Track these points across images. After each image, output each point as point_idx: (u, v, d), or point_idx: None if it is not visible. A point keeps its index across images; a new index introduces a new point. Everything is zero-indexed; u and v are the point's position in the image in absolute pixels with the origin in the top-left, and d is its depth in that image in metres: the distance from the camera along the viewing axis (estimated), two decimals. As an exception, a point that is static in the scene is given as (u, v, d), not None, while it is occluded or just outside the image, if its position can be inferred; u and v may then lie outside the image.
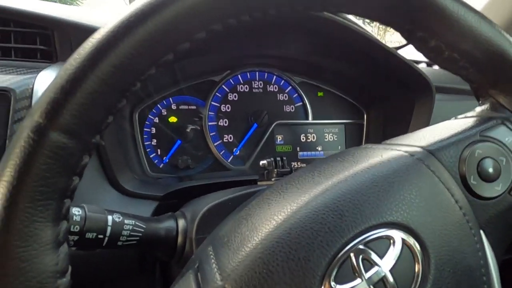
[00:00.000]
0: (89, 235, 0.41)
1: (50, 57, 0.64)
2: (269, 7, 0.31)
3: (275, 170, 0.57)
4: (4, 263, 0.24)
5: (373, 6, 0.34)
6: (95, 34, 0.27)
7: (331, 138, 0.92)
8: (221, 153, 0.84)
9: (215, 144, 0.84)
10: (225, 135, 0.85)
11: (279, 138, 0.88)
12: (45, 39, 0.64)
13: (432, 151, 0.34)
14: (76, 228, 0.40)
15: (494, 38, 0.35)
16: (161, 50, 0.28)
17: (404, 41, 1.01)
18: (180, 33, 0.28)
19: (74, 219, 0.40)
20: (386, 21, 0.36)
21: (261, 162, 0.60)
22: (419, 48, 0.38)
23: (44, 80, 0.57)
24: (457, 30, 0.34)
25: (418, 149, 0.34)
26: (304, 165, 0.90)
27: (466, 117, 0.39)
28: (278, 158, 0.59)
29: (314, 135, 0.91)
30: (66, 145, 0.25)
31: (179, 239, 0.49)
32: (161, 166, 0.81)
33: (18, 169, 0.24)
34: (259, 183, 0.60)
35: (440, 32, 0.35)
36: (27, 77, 0.57)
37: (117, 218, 0.44)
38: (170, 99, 0.81)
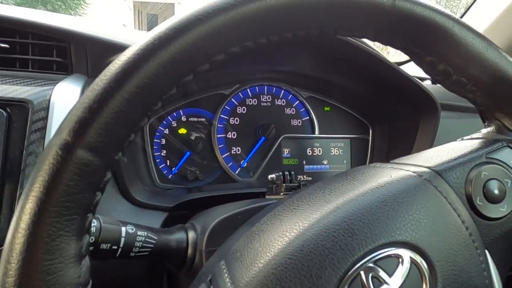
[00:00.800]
0: (103, 246, 0.42)
1: (66, 69, 0.66)
2: (286, 31, 0.32)
3: (284, 184, 0.58)
4: (31, 276, 0.25)
5: (384, 31, 0.35)
6: (120, 56, 0.28)
7: (336, 152, 0.93)
8: (229, 165, 0.85)
9: (223, 156, 0.85)
10: (233, 148, 0.86)
11: (286, 151, 0.89)
12: (61, 51, 0.65)
13: (439, 172, 0.35)
14: (92, 239, 0.41)
15: (501, 64, 0.36)
16: (183, 71, 0.29)
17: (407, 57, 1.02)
18: (201, 55, 0.29)
19: (90, 230, 0.41)
20: (396, 46, 0.38)
21: (270, 176, 0.61)
22: (427, 71, 0.39)
23: (61, 92, 0.58)
24: (465, 55, 0.36)
25: (426, 170, 0.35)
26: (310, 178, 0.91)
27: (472, 138, 0.40)
28: (286, 172, 0.60)
29: (320, 149, 0.92)
30: (91, 162, 0.27)
31: (189, 251, 0.50)
32: (170, 177, 0.82)
33: (47, 185, 0.25)
34: (267, 196, 0.61)
35: (449, 57, 0.36)
36: (44, 89, 0.58)
37: (131, 229, 0.45)
38: (180, 111, 0.83)
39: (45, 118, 0.55)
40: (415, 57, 0.39)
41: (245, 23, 0.30)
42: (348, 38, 0.70)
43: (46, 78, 0.63)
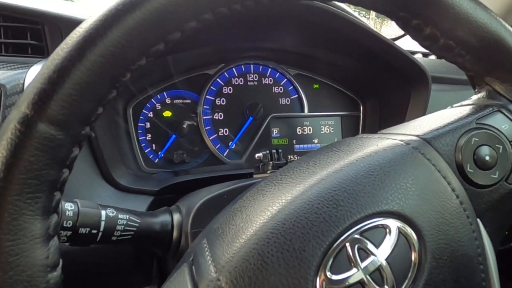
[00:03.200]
0: (82, 230, 0.41)
1: (41, 52, 0.63)
2: None
3: (271, 162, 0.57)
4: None
5: None
6: (83, 23, 0.26)
7: (327, 130, 0.92)
8: (216, 147, 0.84)
9: (210, 138, 0.83)
10: (220, 129, 0.85)
11: (275, 131, 0.88)
12: (36, 34, 0.63)
13: (428, 140, 0.33)
14: (69, 224, 0.40)
15: (489, 24, 0.35)
16: (151, 39, 0.27)
17: (399, 33, 1.00)
18: (170, 22, 0.27)
19: (67, 214, 0.40)
20: (381, 9, 0.36)
21: (257, 155, 0.60)
22: (414, 36, 0.38)
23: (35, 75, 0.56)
24: (452, 16, 0.34)
25: (414, 138, 0.34)
26: None
27: (462, 105, 0.39)
28: (274, 151, 0.59)
29: (310, 127, 0.90)
30: (54, 136, 0.25)
31: (175, 233, 0.48)
32: (156, 161, 0.80)
33: (5, 161, 0.24)
34: (254, 176, 0.60)
35: (435, 19, 0.35)
36: (18, 72, 0.56)
37: (111, 212, 0.43)
38: (164, 93, 0.81)
39: (20, 102, 0.53)
40: (400, 22, 0.37)
41: None
42: (336, 10, 0.68)
43: (20, 61, 0.60)
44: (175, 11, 0.27)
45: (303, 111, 0.90)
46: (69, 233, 0.40)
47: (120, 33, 0.26)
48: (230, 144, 0.85)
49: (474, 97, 0.39)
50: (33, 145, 0.24)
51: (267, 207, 0.30)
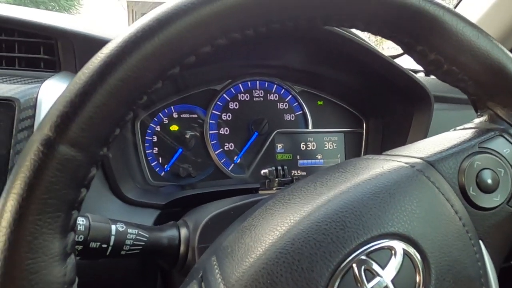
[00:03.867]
0: (93, 245, 0.42)
1: (53, 67, 0.64)
2: (273, 22, 0.32)
3: (276, 179, 0.58)
4: (13, 275, 0.24)
5: (374, 21, 0.35)
6: (103, 49, 0.27)
7: (330, 146, 0.92)
8: (222, 161, 0.85)
9: (216, 152, 0.84)
10: (226, 144, 0.86)
11: (279, 146, 0.89)
12: (49, 48, 0.64)
13: (432, 162, 0.34)
14: (81, 238, 0.41)
15: (492, 52, 0.36)
16: (167, 64, 0.29)
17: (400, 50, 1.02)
18: (186, 47, 0.29)
19: (78, 228, 0.41)
20: (387, 35, 0.37)
21: (262, 171, 0.61)
22: (418, 61, 0.39)
23: (48, 90, 0.57)
24: (456, 43, 0.35)
25: (419, 161, 0.34)
26: (304, 173, 0.90)
27: (465, 128, 0.40)
28: (279, 167, 0.60)
29: (314, 143, 0.91)
30: (74, 157, 0.26)
31: (182, 248, 0.49)
32: (162, 174, 0.81)
33: (28, 181, 0.25)
34: (260, 192, 0.60)
35: (439, 46, 0.36)
36: (31, 87, 0.57)
37: (121, 227, 0.44)
38: (172, 107, 0.82)
39: (32, 117, 0.54)
40: (405, 47, 0.38)
41: (231, 14, 0.29)
42: (340, 30, 0.69)
43: (33, 76, 0.61)
44: (191, 37, 0.29)
45: (307, 127, 0.91)
46: (80, 247, 0.41)
47: (139, 59, 0.27)
48: (235, 158, 0.86)
49: (477, 121, 0.40)
50: (55, 166, 0.25)
51: (276, 227, 0.31)
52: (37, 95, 0.56)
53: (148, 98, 0.29)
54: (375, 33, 0.37)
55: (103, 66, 0.26)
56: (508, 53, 0.37)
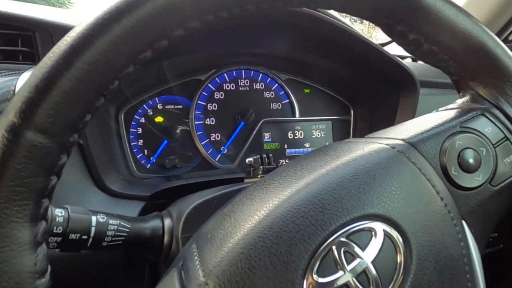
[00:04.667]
0: (72, 236, 0.41)
1: (32, 59, 0.63)
2: (248, 3, 0.31)
3: (261, 167, 0.57)
4: None
5: (352, 2, 0.34)
6: (70, 32, 0.27)
7: (318, 134, 0.92)
8: (208, 152, 0.84)
9: (202, 143, 0.84)
10: (212, 134, 0.85)
11: (266, 135, 0.88)
12: (27, 40, 0.63)
13: (413, 143, 0.34)
14: (59, 230, 0.40)
15: (471, 30, 0.35)
16: (138, 47, 0.28)
17: (389, 38, 1.02)
18: (156, 30, 0.28)
19: (57, 220, 0.40)
20: (366, 16, 0.37)
21: (248, 160, 0.60)
22: (398, 42, 0.39)
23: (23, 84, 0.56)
24: (435, 22, 0.35)
25: (399, 142, 0.34)
26: None
27: (447, 109, 0.39)
28: (264, 155, 0.59)
29: (302, 132, 0.91)
30: (42, 144, 0.25)
31: (165, 238, 0.49)
32: (148, 167, 0.80)
33: None
34: (245, 180, 0.60)
35: (419, 25, 0.35)
36: (8, 79, 0.56)
37: (102, 218, 0.43)
38: (156, 99, 0.81)
39: (10, 109, 0.53)
40: (385, 28, 0.38)
41: None
42: (325, 16, 0.68)
43: (11, 68, 0.60)
44: (161, 19, 0.28)
45: (294, 116, 0.90)
46: (59, 239, 0.40)
47: (107, 42, 0.26)
48: (222, 149, 0.85)
49: (459, 101, 0.40)
50: (21, 153, 0.24)
51: (255, 212, 0.30)
52: (15, 87, 0.55)
53: (130, 88, 0.29)
54: (352, 14, 0.36)
55: (69, 50, 0.26)
56: (489, 31, 0.37)
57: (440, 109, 0.41)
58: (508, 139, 0.36)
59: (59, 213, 0.40)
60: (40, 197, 0.26)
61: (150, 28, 0.27)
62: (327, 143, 0.92)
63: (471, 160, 0.34)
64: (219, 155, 0.85)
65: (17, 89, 0.55)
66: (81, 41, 0.26)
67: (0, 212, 0.24)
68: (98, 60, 0.26)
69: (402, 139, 0.35)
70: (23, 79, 0.56)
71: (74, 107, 0.26)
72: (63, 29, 0.63)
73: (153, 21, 0.27)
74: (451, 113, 0.38)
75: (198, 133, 0.83)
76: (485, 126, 0.36)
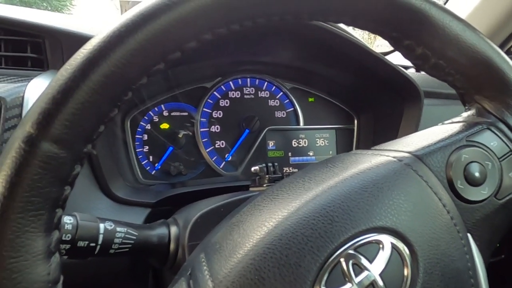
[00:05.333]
0: (81, 244, 0.41)
1: (41, 65, 0.64)
2: (259, 16, 0.31)
3: (267, 176, 0.57)
4: None
5: (361, 16, 0.35)
6: (86, 44, 0.27)
7: (322, 143, 0.93)
8: (213, 159, 0.85)
9: (207, 150, 0.84)
10: (217, 141, 0.85)
11: (271, 143, 0.89)
12: (36, 47, 0.64)
13: (420, 156, 0.34)
14: (68, 237, 0.40)
15: (478, 45, 0.36)
16: (152, 60, 0.28)
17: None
18: (170, 43, 0.28)
19: (65, 227, 0.40)
20: (373, 30, 0.37)
21: (253, 168, 0.60)
22: (406, 55, 0.39)
23: (35, 88, 0.57)
24: (442, 37, 0.35)
25: (406, 155, 0.34)
26: (296, 170, 0.90)
27: (452, 122, 0.40)
28: (270, 164, 0.60)
29: (306, 140, 0.91)
30: (57, 155, 0.25)
31: (172, 246, 0.49)
32: (153, 173, 0.81)
33: (10, 179, 0.24)
34: (251, 189, 0.60)
35: (426, 40, 0.36)
36: (18, 86, 0.56)
37: (109, 226, 0.44)
38: (162, 105, 0.81)
39: (19, 115, 0.54)
40: (393, 42, 0.38)
41: (216, 8, 0.29)
42: (330, 27, 0.69)
43: (20, 74, 0.61)
44: (175, 32, 0.28)
45: (298, 124, 0.91)
46: (67, 246, 0.40)
47: (123, 54, 0.27)
48: (226, 156, 0.86)
49: (464, 115, 0.40)
50: (37, 163, 0.25)
51: (264, 222, 0.30)
52: (24, 93, 0.55)
53: (136, 95, 0.29)
54: (361, 27, 0.37)
55: (85, 62, 0.26)
56: (495, 46, 0.37)
57: (445, 122, 0.41)
58: None
59: (68, 221, 0.41)
60: (54, 207, 0.26)
61: (164, 40, 0.28)
62: (330, 152, 0.93)
63: (477, 174, 0.34)
64: (224, 162, 0.86)
65: (26, 95, 0.55)
66: (97, 53, 0.26)
67: (15, 222, 0.24)
68: (113, 72, 0.27)
69: (409, 152, 0.35)
70: (33, 85, 0.57)
71: (89, 118, 0.27)
72: (72, 36, 0.63)
73: (167, 34, 0.28)
74: (456, 127, 0.38)
75: (203, 140, 0.84)
76: (491, 140, 0.36)
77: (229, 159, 0.86)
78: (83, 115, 0.26)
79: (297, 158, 0.90)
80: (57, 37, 0.63)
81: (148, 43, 0.27)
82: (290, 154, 0.90)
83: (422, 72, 0.96)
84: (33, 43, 0.64)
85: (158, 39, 0.28)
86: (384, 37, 0.38)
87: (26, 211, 0.25)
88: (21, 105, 0.54)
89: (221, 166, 0.85)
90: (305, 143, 0.91)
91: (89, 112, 0.26)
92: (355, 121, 0.95)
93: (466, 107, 0.41)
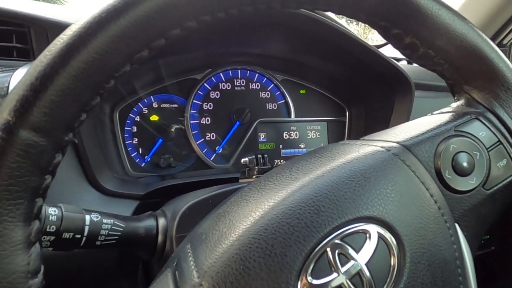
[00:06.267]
0: (66, 235, 0.41)
1: (27, 55, 0.63)
2: (245, 4, 0.31)
3: (256, 167, 0.57)
4: None
5: (349, 4, 0.34)
6: (66, 30, 0.26)
7: (313, 135, 0.92)
8: (203, 152, 0.84)
9: (197, 142, 0.83)
10: (207, 133, 0.85)
11: (262, 136, 0.88)
12: (21, 37, 0.63)
13: (408, 146, 0.34)
14: (52, 228, 0.40)
15: (467, 35, 0.36)
16: (135, 46, 0.28)
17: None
18: (153, 29, 0.28)
19: (50, 219, 0.40)
20: (362, 19, 0.37)
21: (243, 160, 0.60)
22: (394, 45, 0.39)
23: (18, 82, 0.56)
24: (431, 26, 0.35)
25: (394, 145, 0.34)
26: None
27: (441, 112, 0.40)
28: (260, 156, 0.59)
29: (297, 132, 0.91)
30: (37, 143, 0.25)
31: (160, 238, 0.48)
32: (142, 165, 0.80)
33: None
34: (240, 180, 0.60)
35: (415, 29, 0.35)
36: (2, 76, 0.55)
37: (95, 217, 0.43)
38: (152, 97, 0.81)
39: (4, 106, 0.53)
40: (382, 31, 0.38)
41: None
42: (323, 18, 0.69)
43: (5, 65, 0.60)
44: (158, 18, 0.28)
45: (289, 116, 0.90)
46: (52, 238, 0.40)
47: (104, 41, 0.26)
48: (217, 148, 0.85)
49: (453, 105, 0.40)
50: (15, 151, 0.24)
51: (250, 213, 0.30)
52: (9, 84, 0.54)
53: (125, 86, 0.29)
54: (350, 16, 0.37)
55: (65, 48, 0.25)
56: (484, 36, 0.37)
57: (435, 112, 0.41)
58: (501, 143, 0.36)
59: (52, 212, 0.40)
60: (34, 197, 0.26)
61: (147, 27, 0.27)
62: (322, 144, 0.93)
63: (465, 164, 0.34)
64: (214, 155, 0.85)
65: (11, 86, 0.54)
66: (78, 39, 0.26)
67: None
68: (94, 59, 0.26)
69: (397, 142, 0.35)
70: (18, 76, 0.56)
71: (69, 106, 0.26)
72: (58, 26, 0.62)
73: (150, 20, 0.27)
74: (445, 117, 0.38)
75: (193, 133, 0.83)
76: (479, 130, 0.36)
77: (220, 152, 0.85)
78: (63, 103, 0.26)
79: (288, 150, 0.90)
80: (42, 27, 0.62)
81: (130, 29, 0.27)
82: (281, 146, 0.90)
83: (414, 65, 0.96)
84: (18, 32, 0.63)
85: (140, 25, 0.27)
86: (373, 26, 0.38)
87: (3, 200, 0.24)
88: (5, 95, 0.53)
89: (211, 159, 0.85)
90: (296, 135, 0.91)
91: (69, 99, 0.26)
92: (347, 113, 0.95)
93: (456, 97, 0.41)
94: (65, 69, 0.25)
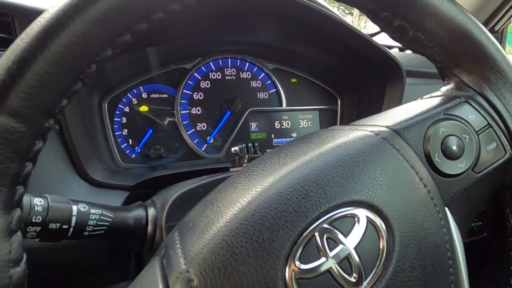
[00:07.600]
0: (52, 226, 0.40)
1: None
2: None
3: (247, 155, 0.57)
4: None
5: None
6: (44, 13, 0.26)
7: (305, 124, 0.92)
8: (194, 142, 0.83)
9: (188, 132, 0.83)
10: (198, 124, 0.84)
11: (253, 125, 0.88)
12: (5, 26, 0.61)
13: (397, 130, 0.34)
14: (38, 219, 0.39)
15: (456, 17, 0.35)
16: (116, 30, 0.27)
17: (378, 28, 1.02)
18: (134, 12, 0.27)
19: (36, 209, 0.39)
20: (350, 2, 0.36)
21: (233, 149, 0.60)
22: (384, 28, 0.38)
23: None
24: (420, 8, 0.34)
25: (384, 129, 0.34)
26: None
27: (431, 96, 0.39)
28: (250, 144, 0.59)
29: (289, 121, 0.91)
30: (15, 129, 0.24)
31: (149, 228, 0.48)
32: (133, 156, 0.79)
33: None
34: (231, 169, 0.59)
35: (404, 11, 0.35)
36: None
37: (83, 207, 0.43)
38: (141, 87, 0.80)
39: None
40: (370, 14, 0.37)
41: None
42: (313, 4, 0.68)
43: (-11, 55, 0.58)
44: (140, 1, 0.27)
45: (281, 106, 0.90)
46: (38, 228, 0.39)
47: (83, 24, 0.25)
48: (208, 138, 0.85)
49: (443, 89, 0.40)
50: None
51: (238, 199, 0.30)
52: (-8, 74, 0.53)
53: (113, 76, 0.28)
54: (338, 0, 0.36)
55: (43, 32, 0.25)
56: (473, 18, 0.36)
57: (424, 96, 0.41)
58: (491, 126, 0.36)
59: (38, 202, 0.39)
60: (14, 184, 0.25)
61: (128, 10, 0.27)
62: (314, 133, 0.92)
63: (454, 147, 0.34)
64: (205, 145, 0.84)
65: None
66: (56, 22, 0.25)
67: None
68: (73, 43, 0.25)
69: (386, 126, 0.34)
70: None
71: (49, 91, 0.25)
72: (43, 15, 0.61)
73: (130, 2, 0.26)
74: (435, 101, 0.37)
75: (183, 123, 0.82)
76: (469, 113, 0.36)
77: (211, 142, 0.85)
78: (42, 88, 0.25)
79: (280, 139, 0.90)
80: (27, 16, 0.61)
81: (110, 11, 0.26)
82: (273, 135, 0.89)
83: (406, 52, 0.96)
84: (2, 22, 0.61)
85: (121, 8, 0.26)
86: (361, 9, 0.37)
87: None
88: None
89: (202, 149, 0.84)
90: (288, 125, 0.90)
91: (48, 84, 0.25)
92: (339, 102, 0.94)
93: (445, 81, 0.41)
94: (43, 53, 0.24)
